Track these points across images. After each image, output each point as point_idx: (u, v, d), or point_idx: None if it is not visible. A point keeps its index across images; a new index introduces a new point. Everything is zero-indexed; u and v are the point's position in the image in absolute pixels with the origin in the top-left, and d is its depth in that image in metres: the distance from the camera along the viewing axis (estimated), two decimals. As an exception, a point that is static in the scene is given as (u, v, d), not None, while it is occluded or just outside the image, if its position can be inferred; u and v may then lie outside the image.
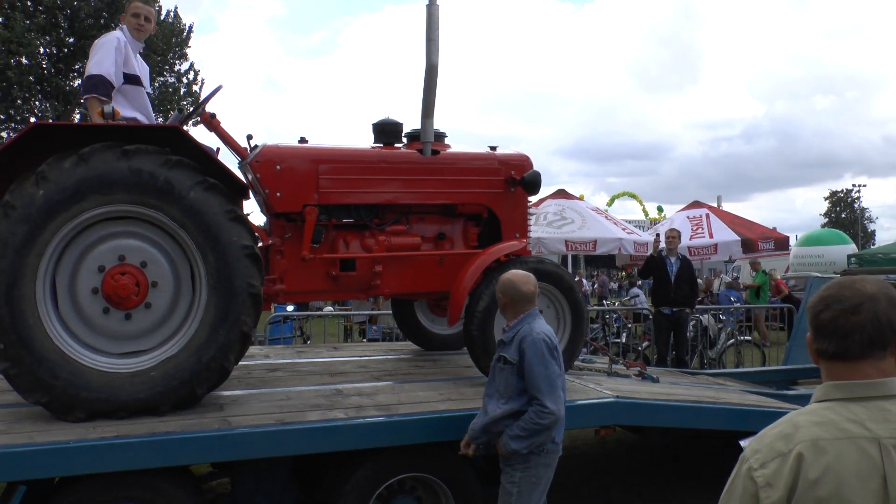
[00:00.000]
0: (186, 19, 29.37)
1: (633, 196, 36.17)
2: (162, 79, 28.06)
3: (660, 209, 36.27)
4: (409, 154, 6.77)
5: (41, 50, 27.13)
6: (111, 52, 6.08)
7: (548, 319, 6.52)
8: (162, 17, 27.94)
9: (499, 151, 7.10)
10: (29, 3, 26.51)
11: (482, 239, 7.04)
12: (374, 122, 6.96)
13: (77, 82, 26.69)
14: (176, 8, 28.86)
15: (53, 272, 5.30)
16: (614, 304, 17.41)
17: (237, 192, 5.79)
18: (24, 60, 26.64)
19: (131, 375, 5.35)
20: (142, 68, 6.50)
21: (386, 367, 7.13)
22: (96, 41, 6.31)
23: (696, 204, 18.23)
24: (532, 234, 15.79)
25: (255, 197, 6.66)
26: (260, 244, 6.32)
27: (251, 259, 5.52)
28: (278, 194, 6.29)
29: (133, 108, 6.24)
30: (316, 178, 6.36)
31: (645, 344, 12.14)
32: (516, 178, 6.89)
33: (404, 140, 7.01)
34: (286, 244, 6.43)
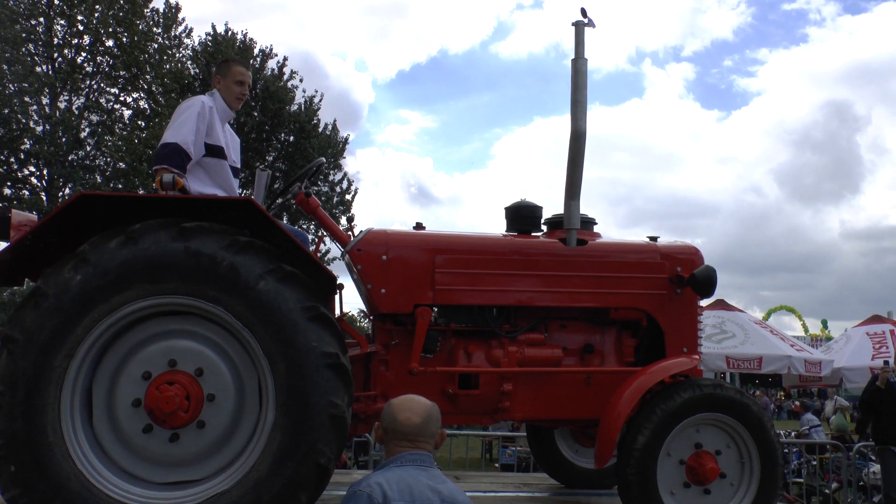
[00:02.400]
0: (344, 132, 29.29)
1: (791, 310, 32.88)
2: (316, 188, 27.88)
3: (824, 323, 32.73)
4: (548, 244, 5.20)
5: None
6: (192, 119, 4.90)
7: (728, 464, 4.69)
8: (321, 129, 28.07)
9: (661, 243, 5.41)
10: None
11: (640, 353, 5.31)
12: (507, 205, 5.46)
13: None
14: (335, 121, 28.91)
15: (90, 378, 4.06)
16: (789, 433, 14.72)
17: (324, 284, 4.37)
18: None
19: (170, 514, 3.95)
20: (230, 140, 5.29)
21: (514, 512, 5.39)
22: (179, 106, 5.18)
23: (876, 319, 15.56)
24: (688, 349, 13.82)
25: (359, 293, 5.23)
26: (356, 351, 4.87)
27: (334, 371, 4.06)
28: (383, 290, 4.85)
29: (214, 184, 5.01)
30: (431, 271, 4.89)
31: (834, 486, 9.70)
32: (683, 275, 5.17)
33: (544, 228, 5.46)
34: (392, 353, 4.95)
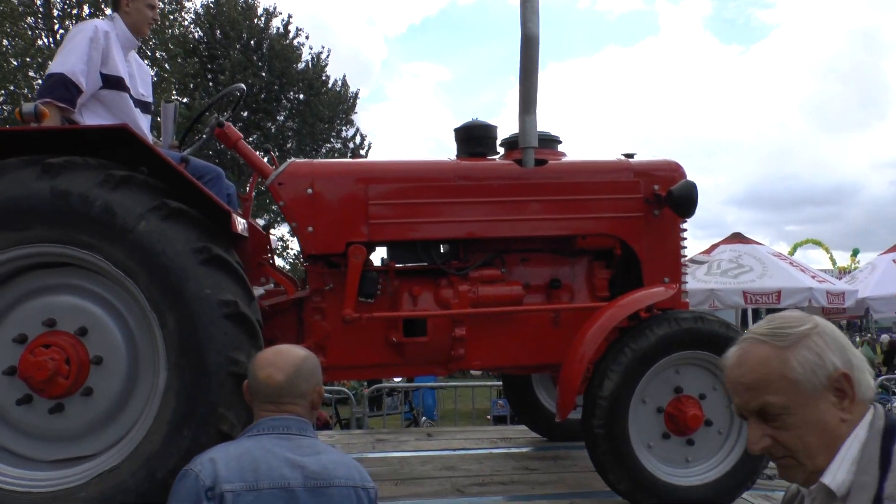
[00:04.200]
0: (354, 87, 28.43)
1: (818, 243, 31.42)
2: (329, 145, 27.18)
3: (855, 252, 31.24)
4: (501, 166, 4.46)
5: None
6: (82, 46, 4.17)
7: (714, 409, 3.99)
8: (330, 85, 27.27)
9: (636, 160, 4.62)
10: (210, 84, 26.50)
11: (616, 287, 4.56)
12: (457, 126, 4.70)
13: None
14: (344, 76, 28.05)
15: None
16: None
17: (221, 221, 3.67)
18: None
19: (51, 498, 3.32)
20: (137, 70, 4.57)
21: (482, 470, 4.72)
22: (69, 32, 4.47)
23: (903, 244, 14.56)
24: (704, 285, 12.92)
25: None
26: (281, 298, 4.22)
27: (234, 322, 3.40)
28: (310, 229, 4.15)
29: (114, 119, 4.30)
30: (364, 204, 4.18)
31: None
32: (661, 194, 4.39)
33: (500, 150, 4.70)
34: (327, 299, 4.27)
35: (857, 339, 29.25)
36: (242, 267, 3.68)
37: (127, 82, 4.38)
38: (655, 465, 3.88)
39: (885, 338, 33.05)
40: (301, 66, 26.94)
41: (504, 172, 4.38)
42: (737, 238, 13.90)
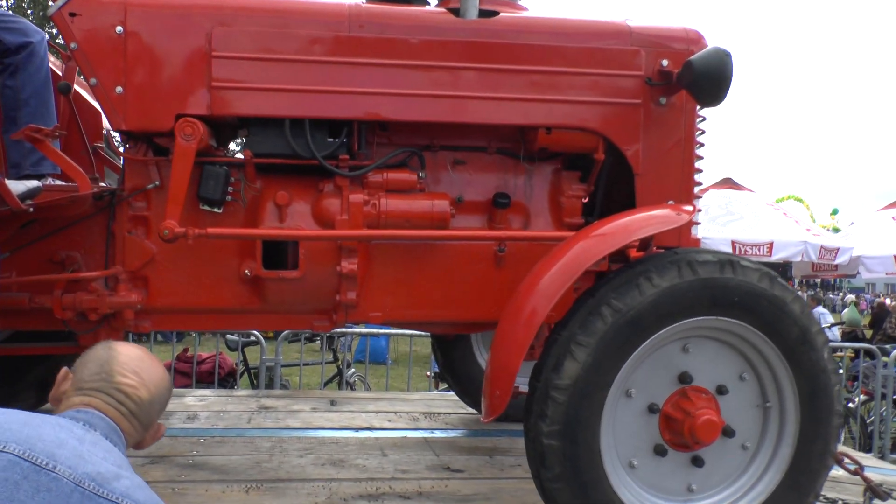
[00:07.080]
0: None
1: (798, 200, 29.87)
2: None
3: (834, 212, 29.88)
4: (427, 15, 2.77)
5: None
6: None
7: (740, 412, 2.39)
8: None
9: (636, 24, 2.93)
10: None
11: (595, 210, 2.95)
12: (369, -43, 2.99)
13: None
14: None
15: None
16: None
17: None
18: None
19: None
20: None
21: (381, 469, 3.13)
22: None
23: (901, 202, 13.00)
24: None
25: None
26: (65, 195, 2.61)
27: None
28: (119, 90, 2.51)
29: None
30: (206, 56, 2.53)
31: (862, 398, 7.34)
32: (671, 70, 2.73)
33: (434, 1, 3.01)
34: (153, 204, 2.64)
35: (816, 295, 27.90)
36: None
37: None
38: (640, 496, 2.30)
39: (850, 298, 31.72)
40: None
41: (430, 24, 2.70)
42: (728, 183, 12.32)
